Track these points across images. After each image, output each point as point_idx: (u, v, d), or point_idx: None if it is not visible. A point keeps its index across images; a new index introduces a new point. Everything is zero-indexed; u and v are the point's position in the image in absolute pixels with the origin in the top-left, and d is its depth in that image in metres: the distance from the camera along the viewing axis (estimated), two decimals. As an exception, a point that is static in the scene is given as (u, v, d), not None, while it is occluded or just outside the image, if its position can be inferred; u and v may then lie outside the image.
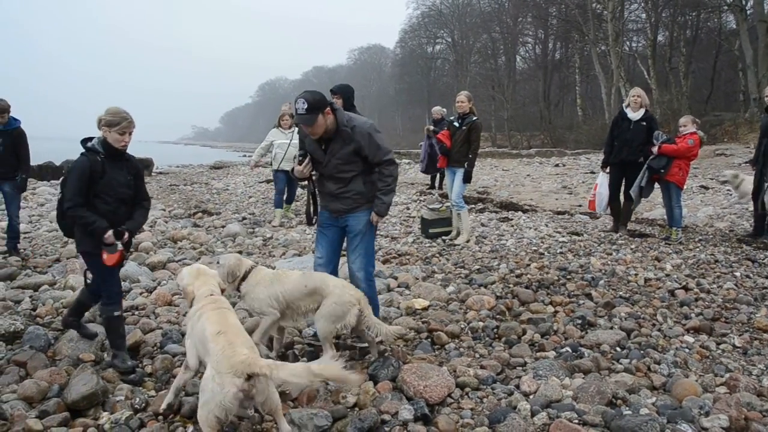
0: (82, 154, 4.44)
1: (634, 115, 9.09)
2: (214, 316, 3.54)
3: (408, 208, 13.03)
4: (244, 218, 11.79)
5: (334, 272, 4.89)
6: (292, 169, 4.80)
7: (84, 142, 4.49)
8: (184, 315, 4.81)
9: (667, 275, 6.98)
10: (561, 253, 8.23)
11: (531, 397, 3.98)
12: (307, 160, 4.65)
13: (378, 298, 5.09)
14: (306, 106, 4.27)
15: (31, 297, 6.03)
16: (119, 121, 4.37)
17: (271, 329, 4.64)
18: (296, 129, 10.30)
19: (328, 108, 4.39)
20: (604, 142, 9.80)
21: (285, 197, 11.46)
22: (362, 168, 4.57)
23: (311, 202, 5.00)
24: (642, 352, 4.77)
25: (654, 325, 5.46)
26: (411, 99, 70.67)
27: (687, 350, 4.90)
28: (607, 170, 9.52)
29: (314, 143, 4.59)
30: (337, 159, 4.51)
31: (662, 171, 8.86)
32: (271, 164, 11.43)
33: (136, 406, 3.79)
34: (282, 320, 4.64)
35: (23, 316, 5.33)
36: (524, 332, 5.21)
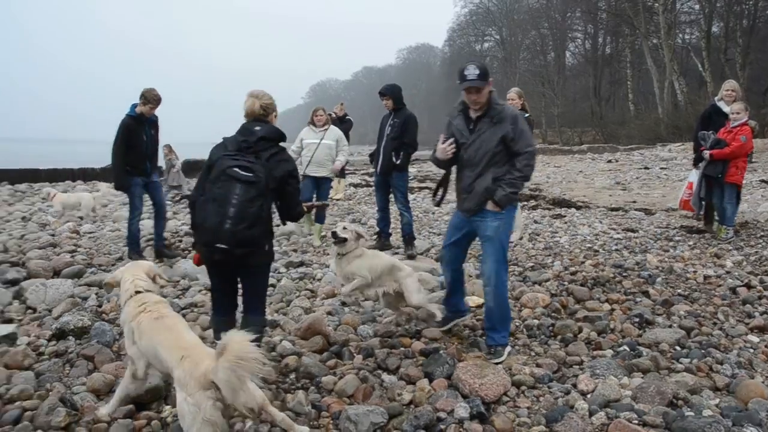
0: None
1: (729, 108, 8.71)
2: (165, 336, 3.37)
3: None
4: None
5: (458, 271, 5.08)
6: (435, 150, 4.76)
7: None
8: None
9: (728, 272, 6.78)
10: (616, 250, 8.09)
11: (588, 396, 3.93)
12: (450, 140, 4.64)
13: (508, 305, 4.87)
14: (478, 72, 4.31)
15: (96, 294, 6.27)
16: None
17: (359, 290, 5.22)
18: (329, 127, 9.19)
19: (491, 80, 4.44)
20: (692, 137, 9.51)
21: (314, 215, 8.98)
22: (498, 159, 4.51)
23: (442, 184, 5.13)
24: (703, 351, 4.63)
25: (715, 323, 5.32)
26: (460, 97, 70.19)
27: (751, 350, 4.74)
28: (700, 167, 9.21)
29: (462, 122, 4.62)
30: (482, 140, 4.49)
31: (720, 176, 8.54)
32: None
33: (198, 399, 3.88)
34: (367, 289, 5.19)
35: (90, 312, 5.55)
36: (580, 330, 5.13)
